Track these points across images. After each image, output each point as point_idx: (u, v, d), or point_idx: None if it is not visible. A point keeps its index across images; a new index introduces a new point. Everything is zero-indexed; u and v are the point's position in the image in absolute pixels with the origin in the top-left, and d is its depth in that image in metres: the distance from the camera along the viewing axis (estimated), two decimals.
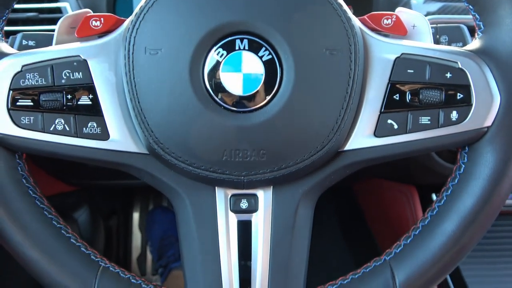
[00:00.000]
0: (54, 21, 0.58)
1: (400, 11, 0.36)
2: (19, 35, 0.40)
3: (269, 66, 0.31)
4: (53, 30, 0.36)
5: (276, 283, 0.33)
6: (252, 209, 0.33)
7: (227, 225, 0.33)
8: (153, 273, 1.14)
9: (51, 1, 0.59)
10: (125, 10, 0.67)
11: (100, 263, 0.33)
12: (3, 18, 0.33)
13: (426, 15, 0.61)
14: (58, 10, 0.59)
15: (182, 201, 0.33)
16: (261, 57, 0.31)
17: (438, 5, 0.61)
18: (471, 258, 0.73)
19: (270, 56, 0.31)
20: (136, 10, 0.31)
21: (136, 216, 1.19)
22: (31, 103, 0.31)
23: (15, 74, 0.31)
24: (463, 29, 0.42)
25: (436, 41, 0.41)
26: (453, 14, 0.61)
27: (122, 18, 0.34)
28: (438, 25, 0.43)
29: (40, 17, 0.58)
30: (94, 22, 0.33)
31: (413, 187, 0.80)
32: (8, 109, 0.31)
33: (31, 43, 0.39)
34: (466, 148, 0.33)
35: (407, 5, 0.64)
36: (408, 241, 0.34)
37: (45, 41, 0.39)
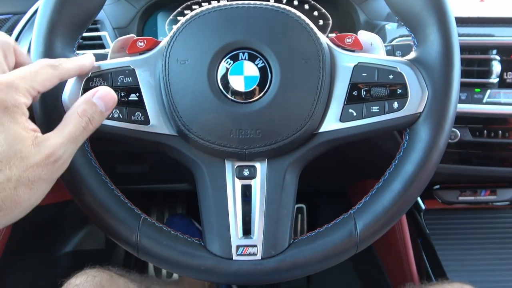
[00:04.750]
0: (94, 47, 0.72)
1: (361, 33, 0.47)
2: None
3: (263, 71, 0.42)
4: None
5: (269, 228, 0.43)
6: (252, 176, 0.44)
7: (233, 188, 0.43)
8: (168, 276, 1.23)
9: (93, 30, 0.72)
10: (150, 33, 0.81)
11: (141, 215, 0.44)
12: (77, 41, 0.46)
13: (399, 37, 0.72)
14: (98, 38, 0.72)
15: (201, 171, 0.44)
16: (257, 65, 0.42)
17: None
18: (449, 245, 0.82)
19: (263, 64, 0.42)
20: (170, 34, 0.43)
21: None
22: None
23: (87, 79, 0.43)
24: (412, 45, 0.54)
25: (393, 54, 0.53)
26: None
27: (158, 40, 0.46)
28: (395, 43, 0.55)
29: (84, 43, 0.71)
30: (139, 43, 0.44)
31: None
32: None
33: None
34: (407, 129, 0.43)
35: (382, 29, 0.75)
36: (367, 199, 0.44)
37: (98, 58, 0.50)
